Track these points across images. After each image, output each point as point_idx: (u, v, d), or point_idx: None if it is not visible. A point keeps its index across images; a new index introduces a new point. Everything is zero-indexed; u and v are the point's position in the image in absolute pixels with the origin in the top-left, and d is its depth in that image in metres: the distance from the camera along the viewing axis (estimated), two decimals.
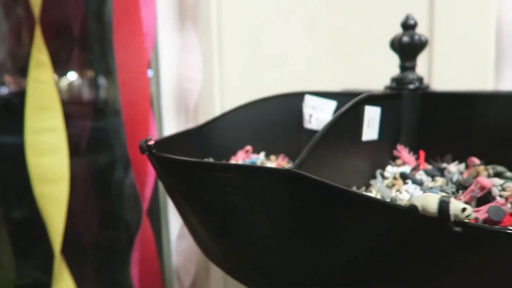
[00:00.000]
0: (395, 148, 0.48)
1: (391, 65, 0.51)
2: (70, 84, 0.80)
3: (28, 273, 0.68)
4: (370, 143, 0.44)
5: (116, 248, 0.79)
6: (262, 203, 0.31)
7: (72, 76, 0.79)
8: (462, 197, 0.33)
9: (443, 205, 0.23)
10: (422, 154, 0.47)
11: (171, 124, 0.69)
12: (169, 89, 0.68)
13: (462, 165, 0.43)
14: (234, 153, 0.52)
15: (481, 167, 0.38)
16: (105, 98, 0.82)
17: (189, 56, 0.66)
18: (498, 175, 0.37)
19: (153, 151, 0.37)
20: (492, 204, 0.31)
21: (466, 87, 0.66)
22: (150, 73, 0.70)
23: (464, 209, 0.23)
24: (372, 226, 0.28)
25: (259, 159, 0.51)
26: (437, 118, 0.48)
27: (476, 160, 0.40)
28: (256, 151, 0.53)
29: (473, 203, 0.33)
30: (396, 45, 0.49)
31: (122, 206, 0.77)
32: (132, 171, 0.60)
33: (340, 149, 0.39)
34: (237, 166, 0.32)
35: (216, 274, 0.71)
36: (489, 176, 0.37)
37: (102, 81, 0.83)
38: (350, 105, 0.38)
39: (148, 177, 0.60)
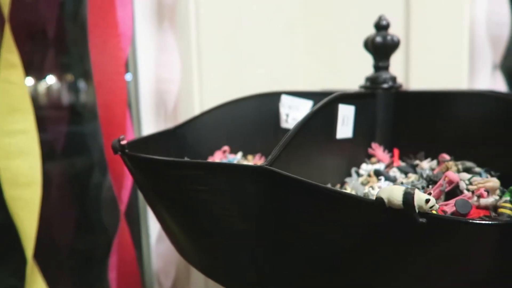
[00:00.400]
0: (370, 146, 0.48)
1: (369, 65, 0.52)
2: (49, 88, 0.79)
3: (2, 280, 0.66)
4: (345, 141, 0.44)
5: (94, 252, 0.78)
6: (234, 200, 0.31)
7: (50, 79, 0.78)
8: (432, 191, 0.34)
9: (408, 197, 0.23)
10: (396, 151, 0.48)
11: (150, 125, 0.69)
12: (147, 90, 0.68)
13: (434, 162, 0.44)
14: (211, 153, 0.52)
15: (451, 163, 0.38)
16: (84, 102, 0.81)
17: (167, 57, 0.66)
18: (467, 170, 0.38)
19: (126, 150, 0.36)
20: (459, 197, 0.32)
21: (442, 86, 0.68)
22: (128, 76, 0.69)
23: (427, 200, 0.23)
24: (343, 221, 0.28)
25: (236, 158, 0.51)
26: (411, 116, 0.49)
27: (446, 156, 0.41)
28: (234, 151, 0.53)
29: (442, 197, 0.34)
30: (370, 45, 0.49)
31: (101, 210, 0.76)
32: (109, 173, 0.59)
33: (314, 146, 0.39)
34: (208, 164, 0.32)
35: (197, 277, 0.71)
36: (458, 171, 0.38)
37: (81, 84, 0.82)
38: (322, 104, 0.38)
39: (125, 179, 0.59)
